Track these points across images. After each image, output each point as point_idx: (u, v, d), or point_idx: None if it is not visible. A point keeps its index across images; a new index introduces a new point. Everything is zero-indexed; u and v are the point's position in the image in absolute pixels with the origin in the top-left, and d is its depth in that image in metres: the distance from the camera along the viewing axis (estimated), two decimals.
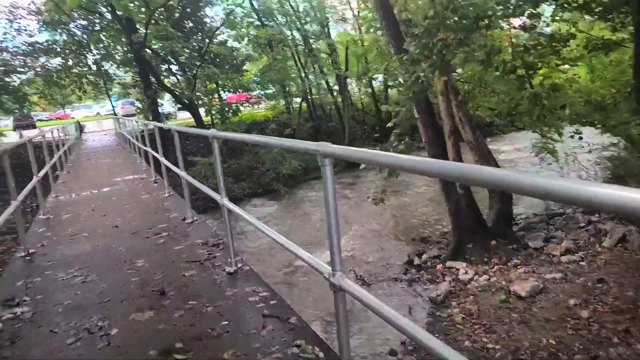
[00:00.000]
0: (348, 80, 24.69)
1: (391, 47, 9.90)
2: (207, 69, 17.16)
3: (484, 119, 28.50)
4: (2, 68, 20.76)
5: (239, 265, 3.33)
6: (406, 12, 9.26)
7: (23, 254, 4.11)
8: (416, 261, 9.64)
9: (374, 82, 26.36)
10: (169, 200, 6.24)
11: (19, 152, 11.30)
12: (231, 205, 3.14)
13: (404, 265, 9.74)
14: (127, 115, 23.63)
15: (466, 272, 8.51)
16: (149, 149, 8.35)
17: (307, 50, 23.25)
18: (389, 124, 8.08)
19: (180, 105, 32.55)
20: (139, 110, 21.80)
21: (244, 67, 22.65)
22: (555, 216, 10.81)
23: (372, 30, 23.49)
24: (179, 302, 2.86)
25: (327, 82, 23.53)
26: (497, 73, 9.15)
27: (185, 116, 30.90)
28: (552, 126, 11.31)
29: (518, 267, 8.31)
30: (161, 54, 18.28)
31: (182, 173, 4.81)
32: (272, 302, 2.78)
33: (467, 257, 9.12)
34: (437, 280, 8.62)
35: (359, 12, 24.56)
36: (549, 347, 5.72)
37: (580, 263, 7.97)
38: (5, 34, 21.69)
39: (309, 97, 24.28)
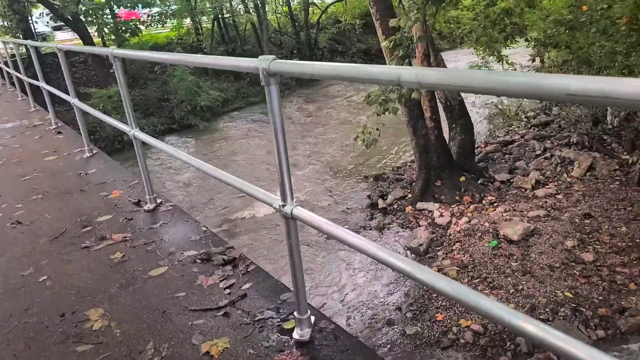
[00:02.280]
0: None
1: None
2: None
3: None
4: None
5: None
6: None
7: None
8: (380, 204, 8.71)
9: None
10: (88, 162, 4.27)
11: None
12: (144, 136, 2.77)
13: (367, 210, 8.79)
14: None
15: (441, 215, 7.79)
16: (27, 79, 6.03)
17: None
18: (384, 44, 6.43)
19: (56, 24, 26.98)
20: (3, 30, 17.09)
21: None
22: (507, 144, 10.46)
23: None
24: None
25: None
26: None
27: (64, 37, 25.61)
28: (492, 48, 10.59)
29: (494, 205, 7.76)
30: None
31: (75, 100, 4.13)
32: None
33: (436, 196, 8.39)
34: (411, 225, 7.82)
35: None
36: (568, 302, 5.20)
37: (557, 197, 7.62)
38: None
39: (220, 15, 21.09)
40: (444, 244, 7.02)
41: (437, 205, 8.07)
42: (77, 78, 18.11)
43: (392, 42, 5.67)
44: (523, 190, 8.10)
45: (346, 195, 9.67)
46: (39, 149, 4.72)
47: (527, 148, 9.90)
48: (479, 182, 8.59)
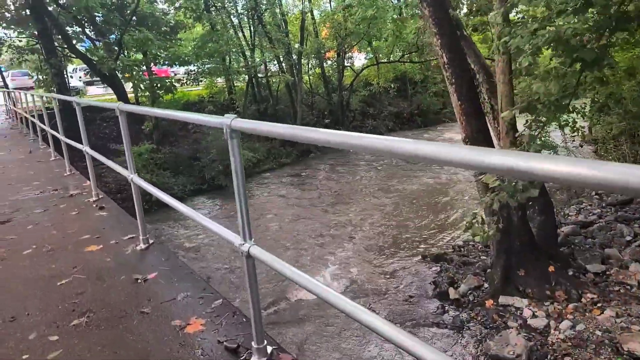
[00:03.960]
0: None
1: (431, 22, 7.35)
2: (138, 32, 13.28)
3: (429, 105, 27.56)
4: None
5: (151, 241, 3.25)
6: None
7: None
8: (452, 294, 7.44)
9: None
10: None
11: None
12: (141, 182, 3.05)
13: (435, 299, 7.51)
14: (20, 89, 18.56)
15: (534, 315, 6.48)
16: (64, 138, 5.32)
17: (253, 20, 19.87)
18: (505, 114, 5.39)
19: (89, 79, 27.39)
20: (38, 83, 17.00)
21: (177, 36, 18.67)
22: (586, 226, 9.26)
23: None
24: None
25: (278, 58, 20.38)
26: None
27: (97, 92, 25.83)
28: None
29: (598, 305, 6.45)
30: (71, 10, 13.96)
31: (86, 148, 4.32)
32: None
33: (521, 288, 7.12)
34: (496, 325, 6.50)
35: None
36: None
37: None
38: None
39: (253, 75, 20.98)
40: (549, 356, 5.66)
41: (525, 301, 6.78)
42: (107, 134, 17.71)
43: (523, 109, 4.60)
44: (628, 287, 6.80)
45: (404, 279, 8.42)
46: (78, 232, 3.72)
47: (612, 232, 8.67)
48: (570, 273, 7.33)
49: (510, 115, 4.25)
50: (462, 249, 9.39)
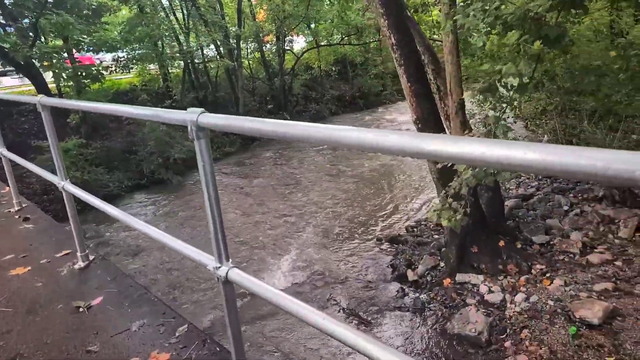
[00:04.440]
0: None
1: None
2: (56, 15, 11.96)
3: (370, 87, 27.76)
4: None
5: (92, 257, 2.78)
6: None
7: None
8: (410, 276, 7.48)
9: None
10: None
11: None
12: (75, 190, 2.58)
13: (395, 283, 7.51)
14: None
15: (490, 290, 6.64)
16: None
17: (186, 1, 18.72)
18: (479, 88, 5.17)
19: (2, 69, 24.70)
20: None
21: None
22: (527, 198, 9.67)
23: None
24: None
25: (215, 43, 19.40)
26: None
27: (12, 83, 23.38)
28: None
29: (547, 275, 6.73)
30: None
31: (2, 150, 3.86)
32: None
33: (475, 265, 7.27)
34: (455, 303, 6.60)
35: None
36: None
37: (616, 264, 6.71)
38: None
39: (189, 60, 19.91)
40: (508, 330, 5.82)
41: (481, 277, 6.94)
42: (26, 129, 16.07)
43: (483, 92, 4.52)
44: (572, 255, 7.15)
45: (362, 264, 8.37)
46: None
47: (551, 203, 9.11)
48: (518, 246, 7.60)
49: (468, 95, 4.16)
50: (414, 230, 9.49)
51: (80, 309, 2.35)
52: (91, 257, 2.88)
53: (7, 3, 13.62)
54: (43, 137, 15.08)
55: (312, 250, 9.06)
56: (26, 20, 13.80)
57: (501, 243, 7.43)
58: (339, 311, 6.85)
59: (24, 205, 4.07)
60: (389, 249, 8.76)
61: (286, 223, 10.67)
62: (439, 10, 11.88)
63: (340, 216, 10.74)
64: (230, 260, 1.49)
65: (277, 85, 22.75)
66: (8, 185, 4.18)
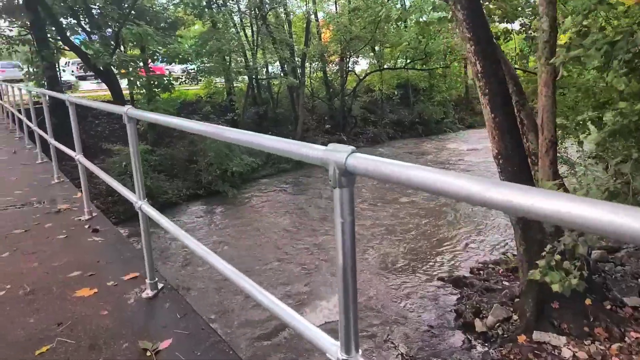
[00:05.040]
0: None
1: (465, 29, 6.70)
2: (136, 26, 12.50)
3: (432, 114, 26.98)
4: None
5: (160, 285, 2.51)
6: None
7: None
8: (478, 326, 6.77)
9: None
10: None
11: None
12: (152, 211, 2.31)
13: (459, 332, 6.83)
14: (9, 81, 17.62)
15: (575, 355, 5.83)
16: (54, 142, 4.67)
17: (257, 19, 19.15)
18: (607, 130, 4.48)
19: (83, 73, 26.38)
20: (27, 76, 16.08)
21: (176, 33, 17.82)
22: (614, 251, 8.68)
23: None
24: None
25: (281, 61, 19.67)
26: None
27: (90, 87, 24.86)
28: None
29: None
30: (66, 0, 13.11)
31: (79, 157, 3.66)
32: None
33: (556, 323, 6.46)
34: None
35: None
36: None
37: None
38: None
39: (254, 76, 20.25)
40: None
41: (563, 339, 6.13)
42: (98, 132, 16.85)
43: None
44: None
45: (422, 305, 7.74)
46: (66, 266, 2.97)
47: None
48: (607, 307, 6.70)
49: (597, 140, 3.58)
50: (480, 272, 8.75)
51: (148, 353, 2.03)
52: (159, 286, 2.58)
53: (95, 13, 14.44)
54: (114, 140, 15.68)
55: (369, 283, 8.55)
56: (109, 30, 14.54)
57: (587, 301, 6.57)
58: (397, 356, 6.28)
59: (94, 214, 3.92)
60: (451, 292, 8.08)
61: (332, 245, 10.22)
62: (524, 39, 11.25)
63: (396, 248, 10.17)
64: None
65: (337, 106, 22.64)
66: (81, 191, 4.05)
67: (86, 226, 3.71)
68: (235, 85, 20.89)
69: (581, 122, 6.16)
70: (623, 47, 3.79)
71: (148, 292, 2.52)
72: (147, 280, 2.53)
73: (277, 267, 9.41)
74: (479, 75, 6.86)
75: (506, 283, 8.08)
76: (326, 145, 1.05)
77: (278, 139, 1.26)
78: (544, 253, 4.41)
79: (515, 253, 9.54)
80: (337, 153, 1.00)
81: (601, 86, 8.47)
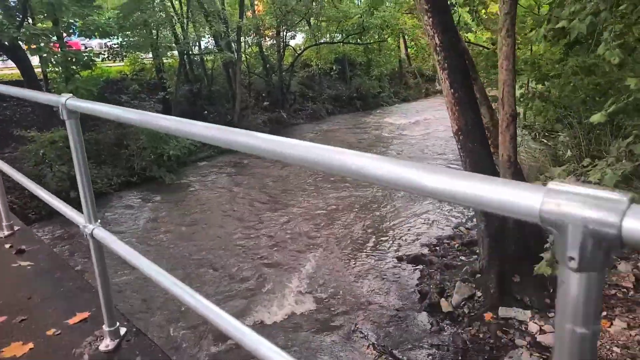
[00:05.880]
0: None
1: None
2: None
3: (369, 88, 26.97)
4: None
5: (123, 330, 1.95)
6: None
7: None
8: (444, 306, 6.71)
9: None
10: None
11: None
12: (108, 236, 1.73)
13: (425, 313, 6.73)
14: None
15: (541, 329, 5.92)
16: None
17: None
18: (611, 110, 4.15)
19: None
20: None
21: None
22: None
23: None
24: None
25: (215, 34, 18.34)
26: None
27: None
28: None
29: (603, 313, 6.04)
30: None
31: None
32: None
33: (519, 297, 6.55)
34: (501, 343, 5.86)
35: None
36: None
37: None
38: None
39: (186, 51, 18.81)
40: None
41: (528, 312, 6.21)
42: (7, 116, 14.81)
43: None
44: (624, 290, 6.50)
45: (384, 286, 7.57)
46: None
47: None
48: None
49: (602, 119, 3.40)
50: (437, 249, 8.75)
51: None
52: (122, 331, 1.98)
53: None
54: (27, 125, 13.85)
55: (328, 266, 8.23)
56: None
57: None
58: (368, 347, 6.05)
59: (15, 229, 3.12)
60: (412, 270, 7.99)
61: (292, 234, 9.80)
62: (467, 12, 11.18)
63: (351, 227, 9.94)
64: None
65: (275, 82, 21.81)
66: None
67: (7, 245, 2.93)
68: (165, 61, 19.30)
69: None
70: (607, 17, 3.60)
71: (107, 343, 1.91)
72: (105, 327, 1.92)
73: (224, 256, 8.80)
74: (438, 48, 6.59)
75: (464, 258, 8.13)
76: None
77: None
78: (546, 245, 4.32)
79: (468, 227, 9.72)
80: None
81: (546, 58, 8.62)
